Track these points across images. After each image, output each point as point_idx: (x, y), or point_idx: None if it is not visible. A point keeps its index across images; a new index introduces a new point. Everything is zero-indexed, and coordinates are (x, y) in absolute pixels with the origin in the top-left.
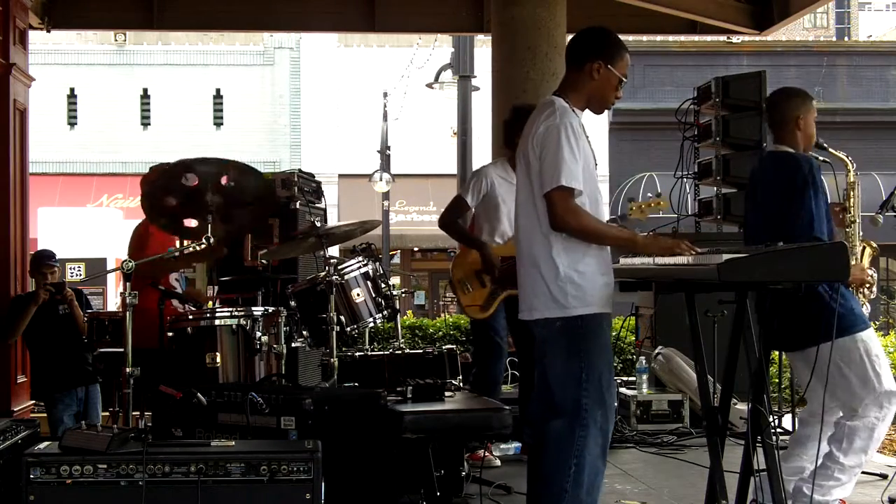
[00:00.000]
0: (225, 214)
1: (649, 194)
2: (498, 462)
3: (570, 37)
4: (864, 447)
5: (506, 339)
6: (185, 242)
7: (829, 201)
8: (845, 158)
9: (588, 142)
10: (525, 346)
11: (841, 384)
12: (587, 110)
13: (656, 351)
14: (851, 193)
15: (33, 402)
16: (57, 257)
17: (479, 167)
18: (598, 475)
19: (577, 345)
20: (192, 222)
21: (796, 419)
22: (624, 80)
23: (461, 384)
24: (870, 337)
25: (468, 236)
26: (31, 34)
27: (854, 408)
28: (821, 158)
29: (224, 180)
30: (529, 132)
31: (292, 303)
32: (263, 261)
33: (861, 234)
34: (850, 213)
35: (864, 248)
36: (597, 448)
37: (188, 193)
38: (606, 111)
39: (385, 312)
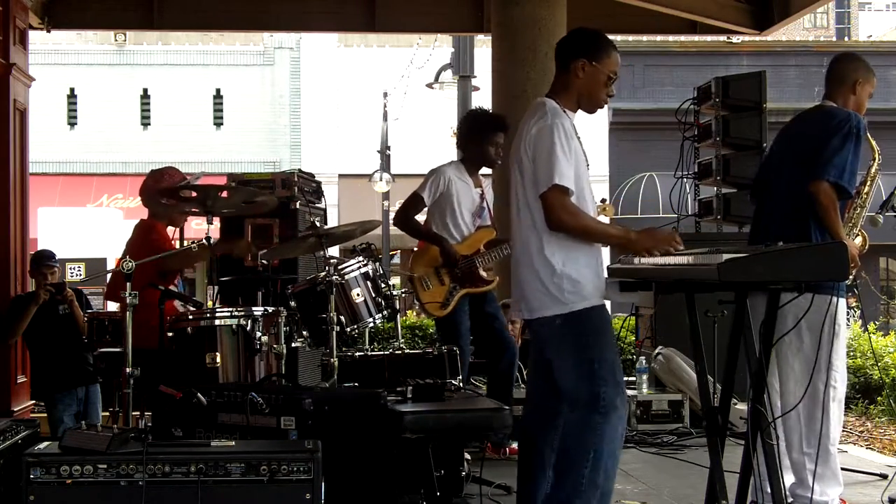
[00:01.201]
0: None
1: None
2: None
3: None
4: (827, 432)
5: (468, 341)
6: (186, 242)
7: None
8: (875, 148)
9: (580, 142)
10: (491, 344)
11: (794, 343)
12: (580, 111)
13: (656, 351)
14: (869, 180)
15: (33, 402)
16: (57, 257)
17: (437, 166)
18: (615, 462)
19: (585, 338)
20: (194, 209)
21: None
22: (612, 76)
23: (461, 384)
24: (841, 307)
25: (426, 232)
26: (31, 34)
27: (792, 372)
28: None
29: (224, 194)
30: (521, 135)
31: (292, 303)
32: (263, 261)
33: (863, 220)
34: (861, 196)
35: (858, 235)
36: (615, 434)
37: (187, 198)
38: (606, 110)
39: (385, 312)
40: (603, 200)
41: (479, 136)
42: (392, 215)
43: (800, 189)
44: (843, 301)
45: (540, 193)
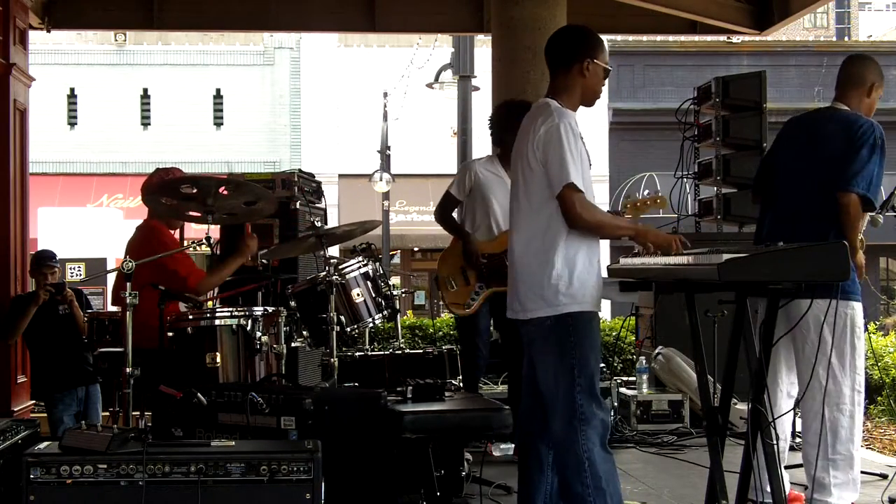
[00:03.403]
0: (226, 212)
1: (647, 192)
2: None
3: None
4: (850, 437)
5: (488, 342)
6: (186, 242)
7: None
8: None
9: (583, 142)
10: (512, 345)
11: (817, 346)
12: (581, 106)
13: (656, 351)
14: None
15: (33, 402)
16: (57, 257)
17: (466, 161)
18: (608, 463)
19: (569, 342)
20: (195, 213)
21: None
22: (609, 69)
23: (461, 384)
24: (858, 309)
25: (455, 226)
26: (31, 34)
27: (815, 377)
28: None
29: (222, 190)
30: (527, 134)
31: (292, 303)
32: (263, 261)
33: (864, 226)
34: None
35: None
36: (598, 438)
37: (188, 197)
38: (606, 110)
39: (385, 312)
40: (657, 192)
41: (510, 124)
42: (392, 215)
43: (822, 193)
44: (859, 304)
45: (556, 194)
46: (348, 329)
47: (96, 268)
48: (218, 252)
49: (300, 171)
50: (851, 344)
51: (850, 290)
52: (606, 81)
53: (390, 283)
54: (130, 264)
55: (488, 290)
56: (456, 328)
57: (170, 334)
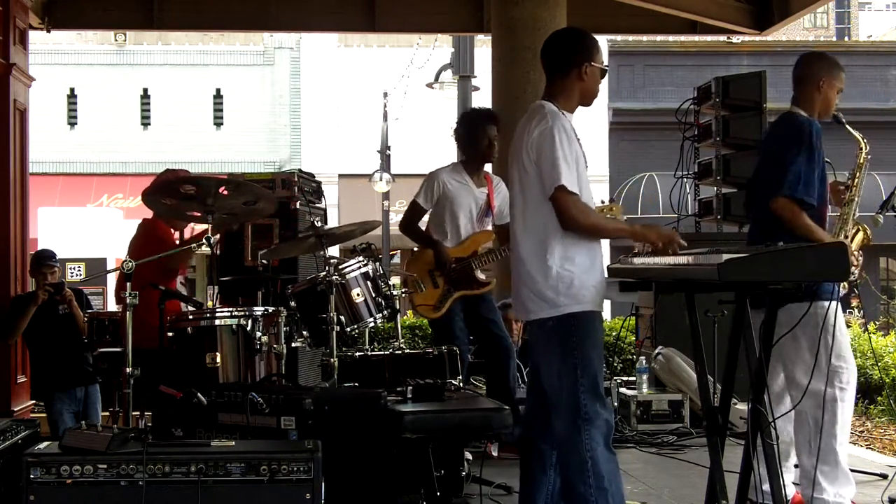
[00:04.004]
0: (226, 212)
1: (601, 201)
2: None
3: None
4: (831, 432)
5: (466, 342)
6: (186, 242)
7: (826, 175)
8: (860, 139)
9: (579, 143)
10: (488, 346)
11: (791, 347)
12: (580, 107)
13: (656, 351)
14: (857, 174)
15: (33, 401)
16: (57, 257)
17: (431, 171)
18: (611, 463)
19: (571, 342)
20: (195, 213)
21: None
22: (606, 69)
23: (461, 384)
24: (832, 309)
25: (424, 236)
26: (31, 34)
27: (793, 377)
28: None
29: (222, 190)
30: (522, 137)
31: (292, 303)
32: (263, 261)
33: (857, 214)
34: (850, 191)
35: (858, 230)
36: (602, 438)
37: (188, 197)
38: (606, 110)
39: (385, 312)
40: (612, 200)
41: (471, 132)
42: (392, 215)
43: (765, 201)
44: (834, 304)
45: (549, 196)
46: (348, 329)
47: (96, 268)
48: (218, 252)
49: (300, 171)
50: (825, 340)
51: (819, 291)
52: (605, 80)
53: (390, 283)
54: (130, 264)
55: (456, 293)
56: (432, 334)
57: (170, 334)
